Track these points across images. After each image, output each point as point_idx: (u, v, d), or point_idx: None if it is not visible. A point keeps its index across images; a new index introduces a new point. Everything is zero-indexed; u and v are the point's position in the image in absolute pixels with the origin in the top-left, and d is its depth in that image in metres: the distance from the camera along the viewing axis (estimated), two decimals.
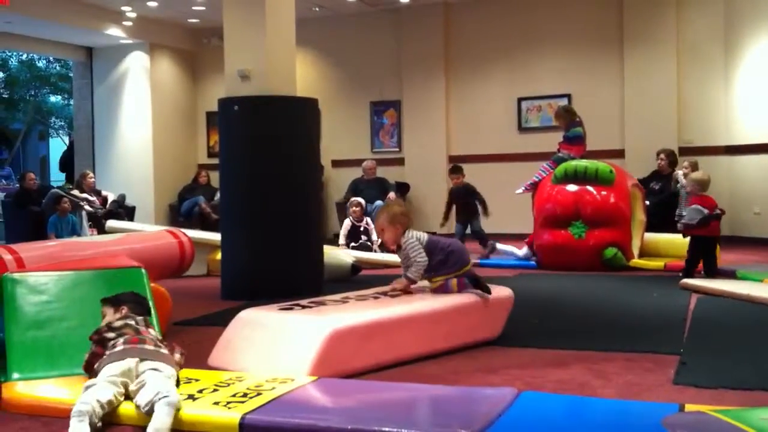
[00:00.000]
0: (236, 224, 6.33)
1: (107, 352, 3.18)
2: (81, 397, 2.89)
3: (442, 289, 4.25)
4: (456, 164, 9.54)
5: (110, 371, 3.04)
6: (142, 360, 3.10)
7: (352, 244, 8.74)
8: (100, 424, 2.84)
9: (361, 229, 8.89)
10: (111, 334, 3.28)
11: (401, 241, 4.30)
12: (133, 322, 3.38)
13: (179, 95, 13.70)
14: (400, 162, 12.27)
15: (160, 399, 2.81)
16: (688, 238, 6.58)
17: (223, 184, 6.56)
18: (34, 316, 3.61)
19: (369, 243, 8.73)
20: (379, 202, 11.31)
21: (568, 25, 11.44)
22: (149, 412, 2.81)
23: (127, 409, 2.96)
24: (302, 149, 6.40)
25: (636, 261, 7.61)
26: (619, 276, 7.12)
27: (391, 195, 11.10)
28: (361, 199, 9.35)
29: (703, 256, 6.50)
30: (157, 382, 2.95)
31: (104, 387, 2.94)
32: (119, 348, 3.15)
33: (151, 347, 3.19)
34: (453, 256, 4.29)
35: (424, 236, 4.33)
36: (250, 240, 6.23)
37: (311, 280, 6.20)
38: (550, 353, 4.07)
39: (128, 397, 3.00)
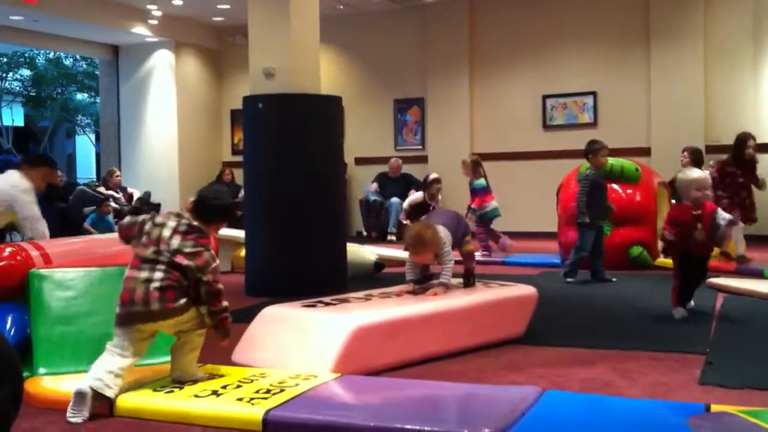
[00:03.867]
0: (260, 221, 6.36)
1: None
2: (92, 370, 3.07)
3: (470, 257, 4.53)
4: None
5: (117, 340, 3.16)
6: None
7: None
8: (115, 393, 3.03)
9: (431, 208, 8.74)
10: (147, 226, 3.32)
11: (439, 254, 4.33)
12: (173, 224, 3.29)
13: (204, 93, 13.77)
14: (424, 159, 12.25)
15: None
16: None
17: (248, 182, 6.58)
18: (61, 312, 3.65)
19: None
20: (395, 200, 11.32)
21: (594, 21, 11.35)
22: None
23: (125, 402, 2.98)
24: (326, 147, 6.41)
25: (662, 260, 7.54)
26: (645, 275, 7.06)
27: (413, 193, 11.05)
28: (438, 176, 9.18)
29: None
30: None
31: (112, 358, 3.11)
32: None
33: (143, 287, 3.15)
34: (460, 227, 4.56)
35: (448, 234, 4.34)
36: (274, 237, 6.25)
37: (334, 277, 6.21)
38: (574, 352, 4.04)
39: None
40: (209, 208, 3.44)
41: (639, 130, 11.03)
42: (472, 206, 8.57)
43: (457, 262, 4.43)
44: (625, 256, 7.39)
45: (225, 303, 3.31)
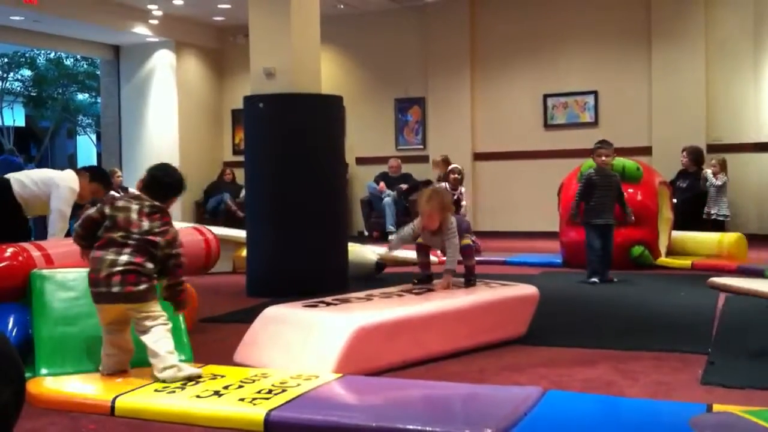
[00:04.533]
0: (261, 221, 6.36)
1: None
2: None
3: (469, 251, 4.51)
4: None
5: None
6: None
7: None
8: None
9: (455, 198, 8.63)
10: (107, 210, 3.47)
11: (444, 226, 4.38)
12: (136, 208, 3.47)
13: (205, 93, 13.77)
14: (425, 159, 12.24)
15: None
16: (717, 235, 6.47)
17: (249, 182, 6.58)
18: (62, 313, 3.64)
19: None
20: (387, 200, 11.36)
21: (595, 21, 11.35)
22: None
23: (126, 402, 2.98)
24: (327, 146, 6.41)
25: (663, 259, 7.54)
26: (646, 274, 7.06)
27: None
28: (460, 167, 9.20)
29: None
30: None
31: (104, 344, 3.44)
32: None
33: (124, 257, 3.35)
34: (462, 222, 4.64)
35: (454, 220, 4.47)
36: (276, 237, 6.25)
37: (336, 278, 6.21)
38: (576, 352, 4.04)
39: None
40: (164, 186, 3.65)
41: (640, 129, 11.03)
42: None
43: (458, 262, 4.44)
44: (627, 256, 7.39)
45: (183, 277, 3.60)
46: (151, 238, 3.41)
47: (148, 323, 3.36)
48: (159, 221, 3.48)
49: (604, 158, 6.67)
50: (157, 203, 3.52)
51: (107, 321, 3.42)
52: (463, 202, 8.92)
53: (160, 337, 3.35)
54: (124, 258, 3.35)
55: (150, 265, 3.40)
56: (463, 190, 8.89)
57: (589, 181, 6.64)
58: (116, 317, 3.42)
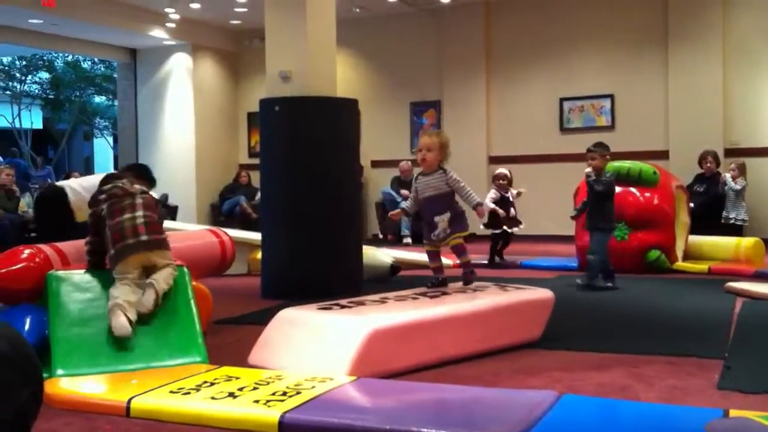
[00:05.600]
0: (276, 224, 6.37)
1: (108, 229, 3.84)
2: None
3: (460, 249, 4.52)
4: None
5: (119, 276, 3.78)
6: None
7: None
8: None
9: (510, 198, 8.43)
10: (103, 196, 3.94)
11: (443, 173, 4.51)
12: (119, 182, 4.02)
13: (221, 96, 13.83)
14: None
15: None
16: (734, 239, 6.38)
17: (264, 184, 6.60)
18: (78, 314, 3.67)
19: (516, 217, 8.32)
20: (404, 203, 11.33)
21: (611, 23, 11.31)
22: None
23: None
24: (342, 149, 6.42)
25: (680, 264, 7.50)
26: (662, 279, 7.02)
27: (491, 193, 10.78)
28: (506, 171, 8.74)
29: None
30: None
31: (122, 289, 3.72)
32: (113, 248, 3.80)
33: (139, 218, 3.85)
34: (464, 213, 4.55)
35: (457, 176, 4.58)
36: (290, 240, 6.26)
37: (350, 280, 6.21)
38: (591, 356, 4.02)
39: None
40: (149, 171, 4.96)
41: (657, 132, 10.98)
42: None
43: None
44: (643, 260, 7.35)
45: None
46: (147, 197, 4.02)
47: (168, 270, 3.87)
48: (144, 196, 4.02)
49: (588, 162, 6.50)
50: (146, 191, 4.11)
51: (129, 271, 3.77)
52: (513, 210, 8.38)
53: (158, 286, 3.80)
54: (139, 213, 3.85)
55: (157, 217, 3.98)
56: (513, 192, 8.37)
57: (589, 185, 6.52)
58: (140, 265, 3.79)
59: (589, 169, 6.48)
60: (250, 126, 13.76)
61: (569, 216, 7.00)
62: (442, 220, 4.45)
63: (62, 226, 6.07)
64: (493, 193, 8.28)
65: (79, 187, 6.41)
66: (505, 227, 8.14)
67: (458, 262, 4.69)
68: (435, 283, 4.50)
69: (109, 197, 3.90)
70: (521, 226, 8.25)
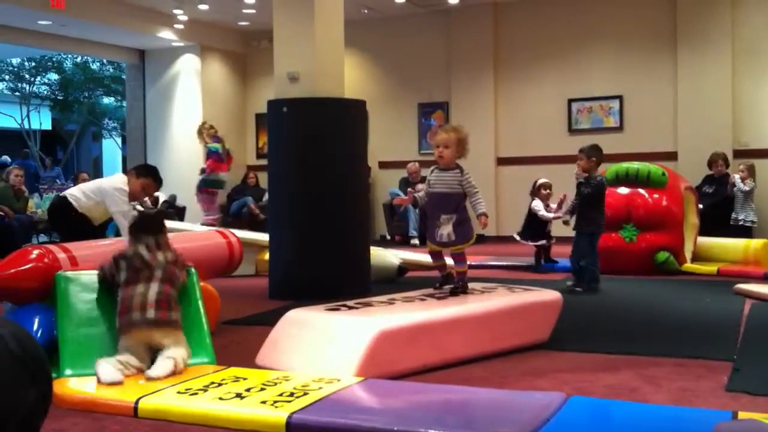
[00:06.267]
0: (284, 225, 6.37)
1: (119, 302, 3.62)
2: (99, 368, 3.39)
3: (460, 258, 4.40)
4: None
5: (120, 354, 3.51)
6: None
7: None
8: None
9: (554, 206, 8.23)
10: (123, 263, 3.70)
11: (459, 172, 4.43)
12: (143, 248, 3.73)
13: (229, 97, 13.85)
14: None
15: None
16: (743, 241, 6.35)
17: (272, 185, 6.61)
18: (87, 314, 3.68)
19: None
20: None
21: (620, 24, 11.28)
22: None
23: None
24: (350, 150, 6.42)
25: (688, 265, 7.47)
26: (671, 280, 7.00)
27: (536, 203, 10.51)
28: (548, 180, 8.58)
29: None
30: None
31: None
32: (124, 317, 3.56)
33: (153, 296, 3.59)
34: (470, 221, 4.45)
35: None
36: (298, 240, 6.26)
37: (358, 281, 6.21)
38: (599, 357, 4.01)
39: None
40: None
41: (666, 134, 10.94)
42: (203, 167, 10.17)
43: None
44: (651, 262, 7.33)
45: None
46: (170, 269, 3.74)
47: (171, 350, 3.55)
48: (168, 249, 3.82)
49: (578, 162, 6.40)
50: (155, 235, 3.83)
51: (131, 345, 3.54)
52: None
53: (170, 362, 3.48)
54: (154, 288, 3.61)
55: (175, 294, 3.70)
56: (552, 205, 7.98)
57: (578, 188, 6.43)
58: (142, 342, 3.54)
59: (577, 170, 6.43)
60: (258, 127, 13.77)
61: (563, 221, 6.85)
62: (448, 221, 4.38)
63: (78, 233, 6.02)
64: (539, 204, 7.88)
65: (80, 192, 6.46)
66: (544, 240, 7.85)
67: (456, 270, 4.45)
68: (442, 283, 4.48)
69: (128, 267, 3.69)
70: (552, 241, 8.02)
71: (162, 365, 3.43)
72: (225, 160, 11.00)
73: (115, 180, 6.58)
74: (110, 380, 3.30)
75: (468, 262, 4.50)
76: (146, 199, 11.28)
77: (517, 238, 7.92)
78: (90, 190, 6.44)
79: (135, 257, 3.70)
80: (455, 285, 4.38)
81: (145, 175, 6.51)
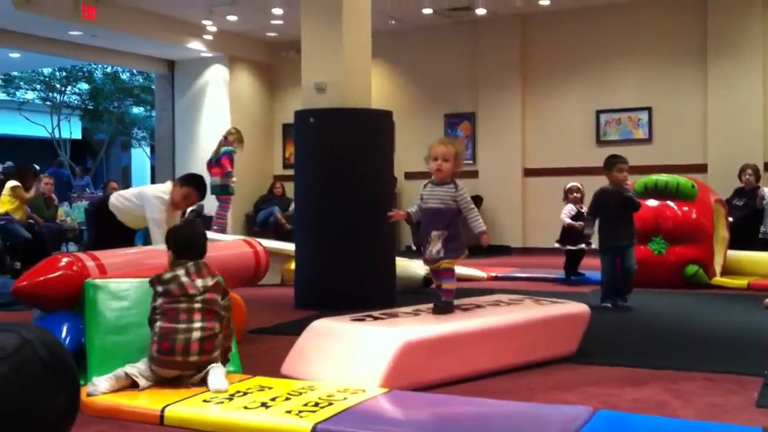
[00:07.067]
0: (310, 235, 6.39)
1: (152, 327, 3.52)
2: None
3: (448, 274, 4.17)
4: None
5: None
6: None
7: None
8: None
9: (584, 213, 8.12)
10: (159, 288, 3.54)
11: (454, 187, 4.20)
12: (182, 272, 3.56)
13: (257, 107, 13.93)
14: (474, 174, 12.18)
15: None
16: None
17: (298, 195, 6.62)
18: (114, 322, 3.70)
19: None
20: None
21: (649, 35, 11.21)
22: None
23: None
24: (376, 161, 6.43)
25: (718, 279, 7.39)
26: (700, 294, 6.92)
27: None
28: (579, 184, 8.28)
29: None
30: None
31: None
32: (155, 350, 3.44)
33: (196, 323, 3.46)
34: (462, 235, 4.21)
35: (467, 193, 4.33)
36: (324, 250, 6.27)
37: (383, 292, 6.21)
38: (627, 371, 3.97)
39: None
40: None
41: (695, 146, 10.85)
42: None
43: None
44: (680, 275, 7.25)
45: None
46: (209, 295, 3.54)
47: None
48: (209, 275, 3.62)
49: (619, 175, 6.16)
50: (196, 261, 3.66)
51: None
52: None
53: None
54: (197, 325, 3.47)
55: (217, 325, 3.54)
56: (584, 209, 7.82)
57: (597, 200, 6.23)
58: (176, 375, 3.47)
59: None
60: (285, 137, 13.84)
61: (584, 234, 6.74)
62: (438, 238, 4.14)
63: (115, 234, 6.12)
64: (570, 208, 7.85)
65: (121, 197, 6.43)
66: (583, 245, 7.67)
67: (442, 287, 4.16)
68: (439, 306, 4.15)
69: (165, 292, 3.52)
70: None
71: (219, 376, 3.40)
72: (213, 165, 10.95)
73: (158, 187, 6.53)
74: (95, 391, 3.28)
75: (455, 284, 4.22)
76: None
77: (557, 245, 7.88)
78: (132, 195, 6.42)
79: (172, 281, 3.54)
80: (436, 303, 4.12)
81: (188, 184, 6.39)
